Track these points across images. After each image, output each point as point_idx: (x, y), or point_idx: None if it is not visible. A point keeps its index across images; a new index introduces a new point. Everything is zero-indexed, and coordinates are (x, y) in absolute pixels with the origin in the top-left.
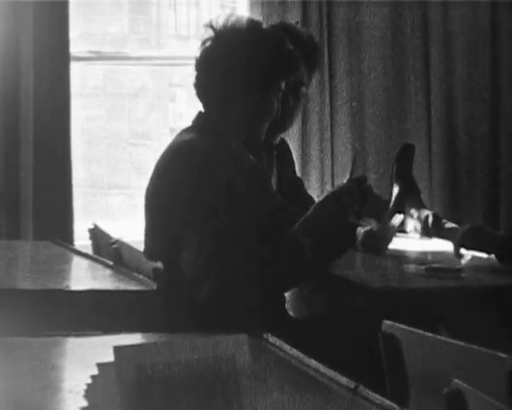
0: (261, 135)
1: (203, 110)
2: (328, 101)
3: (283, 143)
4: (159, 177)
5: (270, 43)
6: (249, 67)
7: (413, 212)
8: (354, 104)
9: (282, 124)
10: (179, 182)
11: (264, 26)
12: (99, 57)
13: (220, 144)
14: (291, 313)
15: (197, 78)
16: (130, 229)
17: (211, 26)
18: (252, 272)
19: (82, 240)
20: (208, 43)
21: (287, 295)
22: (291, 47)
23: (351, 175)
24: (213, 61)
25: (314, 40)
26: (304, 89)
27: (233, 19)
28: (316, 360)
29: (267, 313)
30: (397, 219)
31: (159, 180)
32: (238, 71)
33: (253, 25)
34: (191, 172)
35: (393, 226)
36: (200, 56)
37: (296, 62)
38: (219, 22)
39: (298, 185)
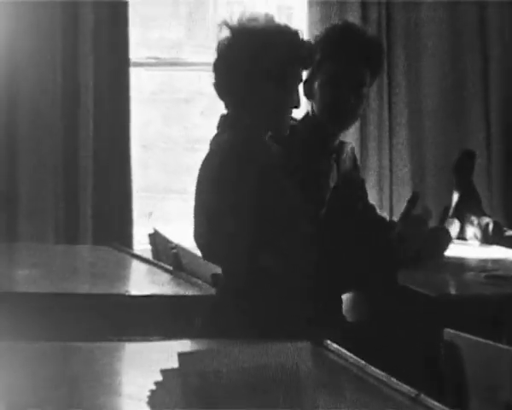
0: (284, 126)
1: (225, 111)
2: (386, 102)
3: (344, 147)
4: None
5: (284, 35)
6: (264, 58)
7: (473, 219)
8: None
9: (342, 123)
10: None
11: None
12: (157, 63)
13: (248, 140)
14: (349, 319)
15: (216, 78)
16: (187, 234)
17: (226, 25)
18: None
19: (140, 244)
20: (226, 42)
21: (345, 299)
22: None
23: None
24: (232, 59)
25: (378, 41)
26: (365, 89)
27: (247, 15)
28: (375, 367)
29: (325, 316)
30: (453, 225)
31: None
32: (255, 64)
33: (267, 20)
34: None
35: (448, 233)
36: (219, 56)
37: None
38: (234, 20)
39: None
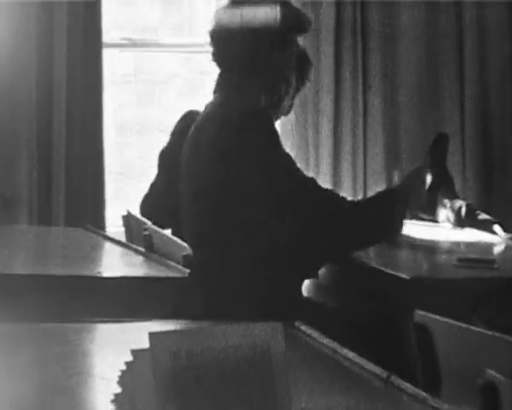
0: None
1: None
2: (360, 91)
3: None
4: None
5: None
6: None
7: (446, 202)
8: (371, 86)
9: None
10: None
11: None
12: (131, 44)
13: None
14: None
15: (217, 46)
16: None
17: None
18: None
19: (113, 227)
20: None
21: (316, 282)
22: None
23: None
24: (233, 26)
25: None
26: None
27: None
28: (347, 349)
29: (296, 297)
30: None
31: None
32: (257, 30)
33: None
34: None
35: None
36: (217, 24)
37: (306, 19)
38: None
39: None
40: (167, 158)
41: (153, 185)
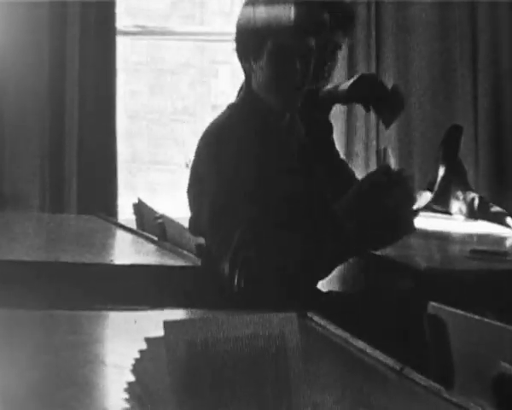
0: (296, 102)
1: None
2: None
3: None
4: (196, 155)
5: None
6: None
7: (459, 194)
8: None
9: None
10: (204, 162)
11: None
12: (144, 32)
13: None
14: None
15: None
16: (172, 205)
17: None
18: (293, 250)
19: (124, 215)
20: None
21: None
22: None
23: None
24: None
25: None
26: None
27: None
28: (359, 339)
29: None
30: (423, 197)
31: (196, 157)
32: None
33: None
34: (209, 153)
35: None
36: (241, 19)
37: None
38: None
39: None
40: None
41: None
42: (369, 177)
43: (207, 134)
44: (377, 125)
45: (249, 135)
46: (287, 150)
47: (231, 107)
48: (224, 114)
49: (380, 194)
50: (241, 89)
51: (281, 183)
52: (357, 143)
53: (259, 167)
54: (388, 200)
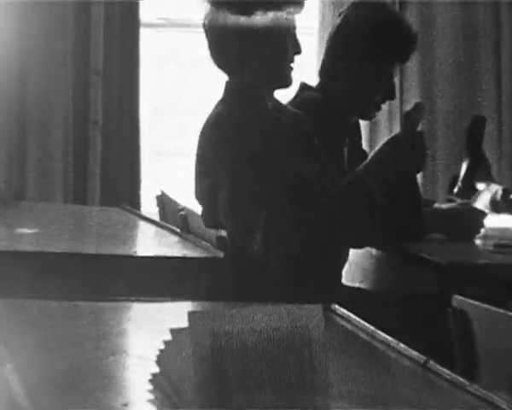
0: (289, 76)
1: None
2: (398, 77)
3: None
4: (198, 147)
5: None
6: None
7: (482, 186)
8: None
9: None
10: (209, 150)
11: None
12: (168, 24)
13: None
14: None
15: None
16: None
17: None
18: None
19: (147, 207)
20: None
21: (352, 267)
22: None
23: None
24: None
25: (416, 35)
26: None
27: None
28: (383, 332)
29: (332, 282)
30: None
31: (199, 150)
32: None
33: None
34: (219, 140)
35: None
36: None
37: None
38: None
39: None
40: None
41: None
42: (393, 144)
43: (208, 127)
44: (400, 119)
45: (249, 118)
46: (288, 133)
47: (222, 101)
48: (216, 107)
49: (402, 160)
50: (227, 88)
51: (291, 163)
52: (379, 135)
53: (267, 148)
54: (409, 166)
